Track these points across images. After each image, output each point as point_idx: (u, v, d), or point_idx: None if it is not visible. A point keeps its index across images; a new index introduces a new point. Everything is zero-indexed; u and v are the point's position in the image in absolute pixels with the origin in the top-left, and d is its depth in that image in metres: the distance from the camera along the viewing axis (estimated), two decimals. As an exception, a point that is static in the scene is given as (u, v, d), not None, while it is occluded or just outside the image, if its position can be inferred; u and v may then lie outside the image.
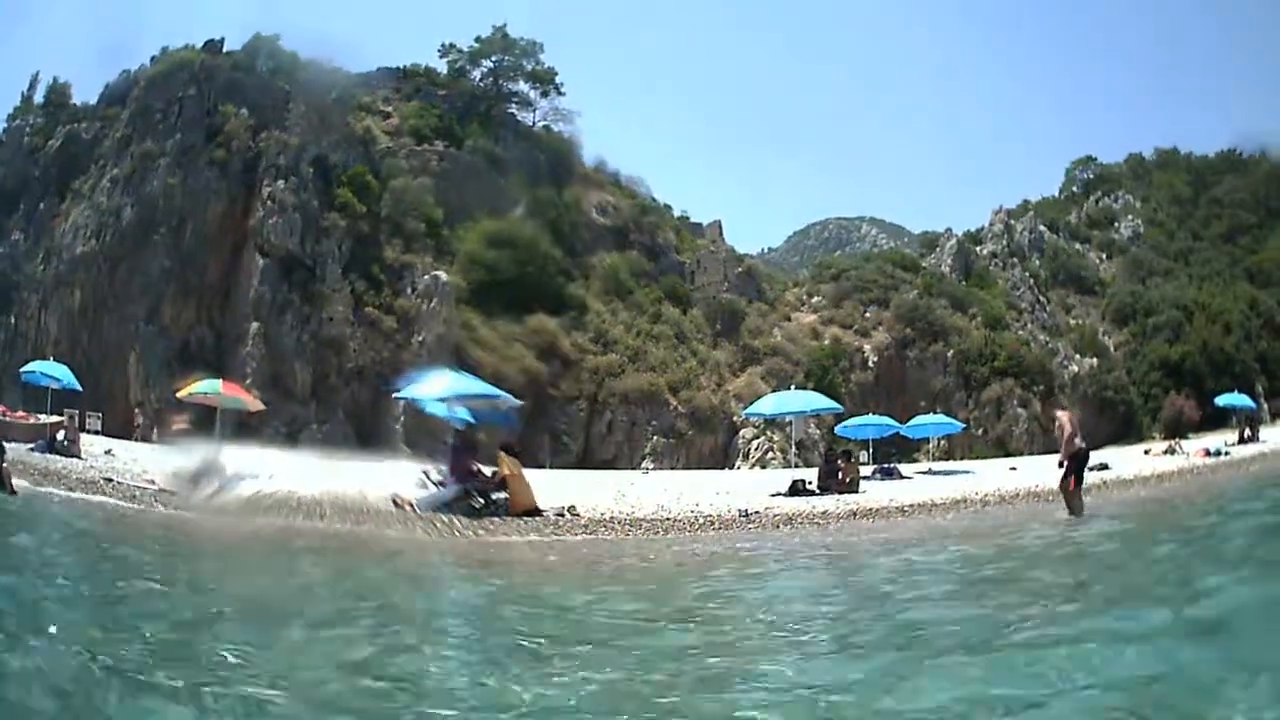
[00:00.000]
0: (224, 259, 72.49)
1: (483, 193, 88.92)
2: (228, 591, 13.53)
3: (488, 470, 29.10)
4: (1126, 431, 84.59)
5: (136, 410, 65.01)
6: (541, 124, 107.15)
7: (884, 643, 9.74)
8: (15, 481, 25.36)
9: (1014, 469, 43.57)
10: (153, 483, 29.57)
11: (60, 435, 36.50)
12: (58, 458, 33.31)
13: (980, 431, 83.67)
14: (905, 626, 10.48)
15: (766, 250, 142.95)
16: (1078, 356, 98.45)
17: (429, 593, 15.86)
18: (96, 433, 49.31)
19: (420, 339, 72.61)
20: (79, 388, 45.64)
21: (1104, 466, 41.36)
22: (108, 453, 38.20)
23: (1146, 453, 55.09)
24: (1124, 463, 44.30)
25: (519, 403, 40.33)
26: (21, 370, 47.75)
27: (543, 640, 10.28)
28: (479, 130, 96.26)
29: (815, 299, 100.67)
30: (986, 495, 32.20)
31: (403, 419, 66.85)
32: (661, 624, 12.13)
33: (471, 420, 36.05)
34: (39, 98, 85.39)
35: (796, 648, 10.13)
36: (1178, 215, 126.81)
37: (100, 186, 72.72)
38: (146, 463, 34.87)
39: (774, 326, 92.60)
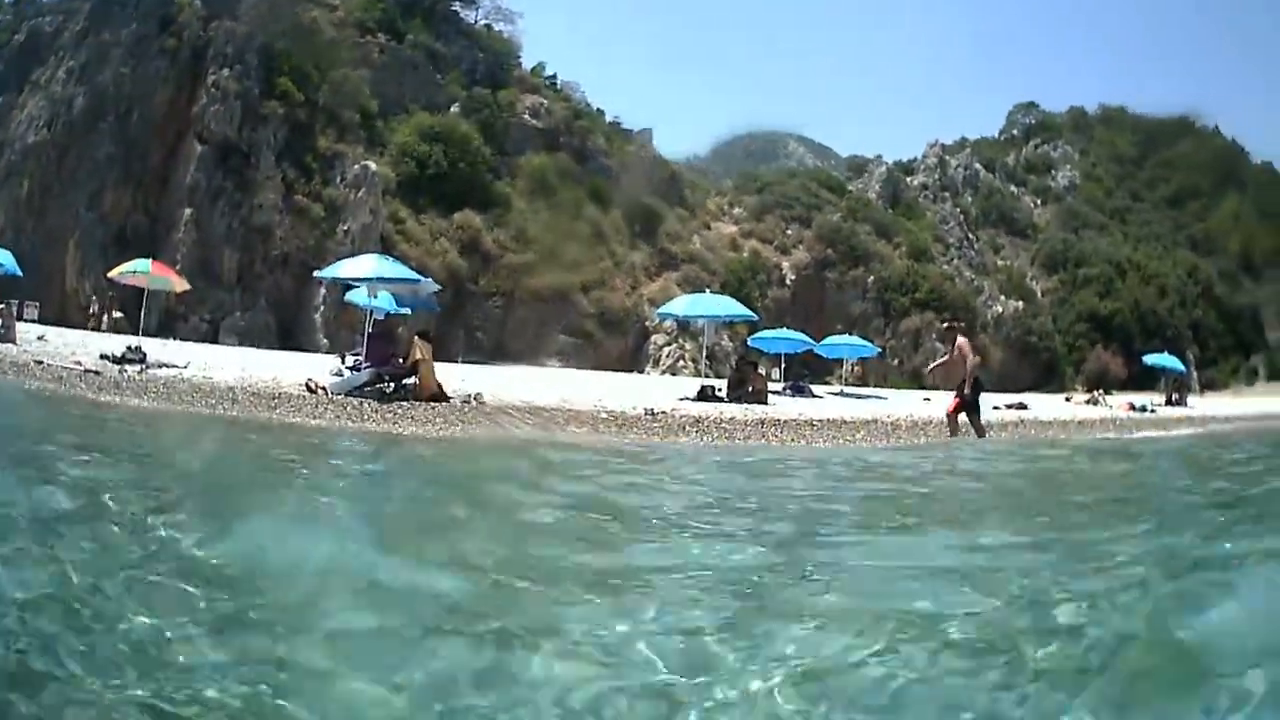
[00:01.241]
0: (165, 146, 72.66)
1: (419, 87, 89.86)
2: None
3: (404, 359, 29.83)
4: (1048, 379, 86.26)
5: (72, 296, 65.42)
6: (483, 23, 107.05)
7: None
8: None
9: (928, 399, 41.99)
10: (79, 364, 30.46)
11: (-1, 325, 37.17)
12: None
13: (896, 362, 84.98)
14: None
15: (694, 158, 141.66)
16: (1003, 298, 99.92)
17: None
18: (34, 321, 49.80)
19: (346, 228, 73.06)
20: (19, 273, 45.78)
21: (1022, 406, 43.26)
22: (40, 339, 38.55)
23: (1067, 400, 56.00)
24: (1044, 407, 45.14)
25: (439, 287, 41.53)
26: None
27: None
28: (421, 25, 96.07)
29: (737, 210, 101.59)
30: (899, 420, 32.09)
31: (323, 309, 68.44)
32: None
33: (392, 310, 37.52)
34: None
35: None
36: (1118, 173, 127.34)
37: (55, 77, 72.70)
38: (76, 348, 35.53)
39: (694, 234, 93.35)
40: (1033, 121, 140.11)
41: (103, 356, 32.71)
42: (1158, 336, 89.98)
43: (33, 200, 68.86)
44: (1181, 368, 66.07)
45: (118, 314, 54.97)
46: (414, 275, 35.25)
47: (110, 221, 68.97)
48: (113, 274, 45.35)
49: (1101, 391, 59.53)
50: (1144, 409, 48.08)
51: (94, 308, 58.01)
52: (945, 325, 30.14)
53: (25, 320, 46.87)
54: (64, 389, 25.58)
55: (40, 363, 30.09)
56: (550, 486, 13.74)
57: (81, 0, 76.11)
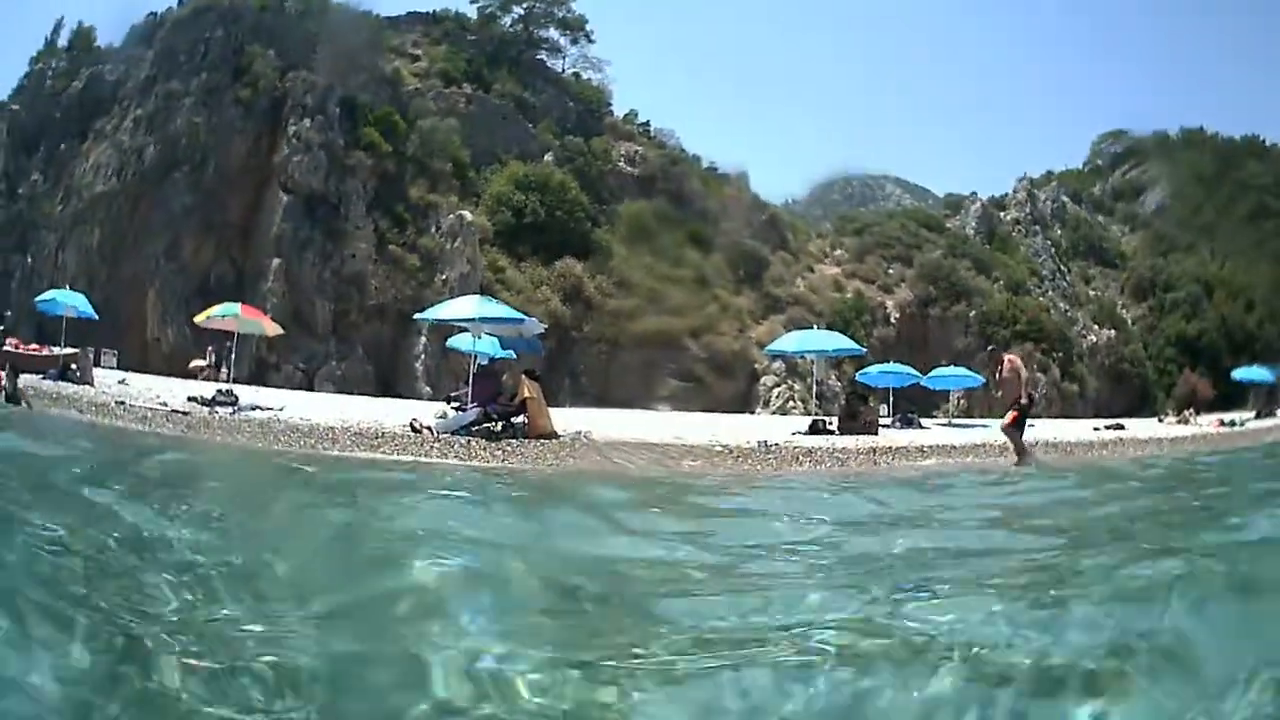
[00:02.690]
0: (247, 196, 72.12)
1: (511, 137, 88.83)
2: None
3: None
4: (1140, 405, 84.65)
5: (154, 345, 64.83)
6: (571, 71, 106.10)
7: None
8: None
9: (1032, 425, 42.49)
10: (165, 405, 29.64)
11: (74, 366, 36.52)
12: (69, 385, 33.36)
13: (999, 394, 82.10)
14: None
15: (791, 201, 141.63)
16: (1096, 327, 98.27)
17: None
18: (112, 367, 48.86)
19: (444, 277, 71.91)
20: (95, 315, 45.07)
21: (1119, 427, 43.42)
22: (121, 382, 37.87)
23: (1161, 420, 55.73)
24: (1139, 429, 45.08)
25: (544, 326, 40.99)
26: (37, 299, 47.38)
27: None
28: (508, 75, 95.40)
29: (838, 252, 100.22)
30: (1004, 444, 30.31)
31: (424, 357, 67.42)
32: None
33: (496, 354, 36.54)
34: (63, 42, 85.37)
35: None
36: (1201, 193, 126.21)
37: (123, 126, 72.19)
38: (160, 391, 34.56)
39: (797, 276, 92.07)
40: (1119, 149, 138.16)
41: (191, 399, 31.86)
42: (1246, 352, 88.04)
43: (104, 249, 68.65)
44: (1270, 377, 64.24)
45: (203, 362, 53.90)
46: (517, 315, 35.60)
47: (191, 271, 68.41)
48: (200, 319, 44.63)
49: (1191, 411, 59.17)
50: (1233, 424, 48.99)
51: (210, 358, 56.17)
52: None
53: (103, 366, 46.13)
54: (148, 427, 25.54)
55: (122, 403, 29.40)
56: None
57: (144, 49, 76.41)
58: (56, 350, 40.33)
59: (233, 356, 44.73)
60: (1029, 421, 27.77)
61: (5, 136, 75.25)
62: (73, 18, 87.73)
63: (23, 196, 72.79)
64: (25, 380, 31.13)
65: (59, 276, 63.53)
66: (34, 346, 42.74)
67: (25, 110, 77.28)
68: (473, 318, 33.45)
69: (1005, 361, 27.35)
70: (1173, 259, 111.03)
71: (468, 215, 76.11)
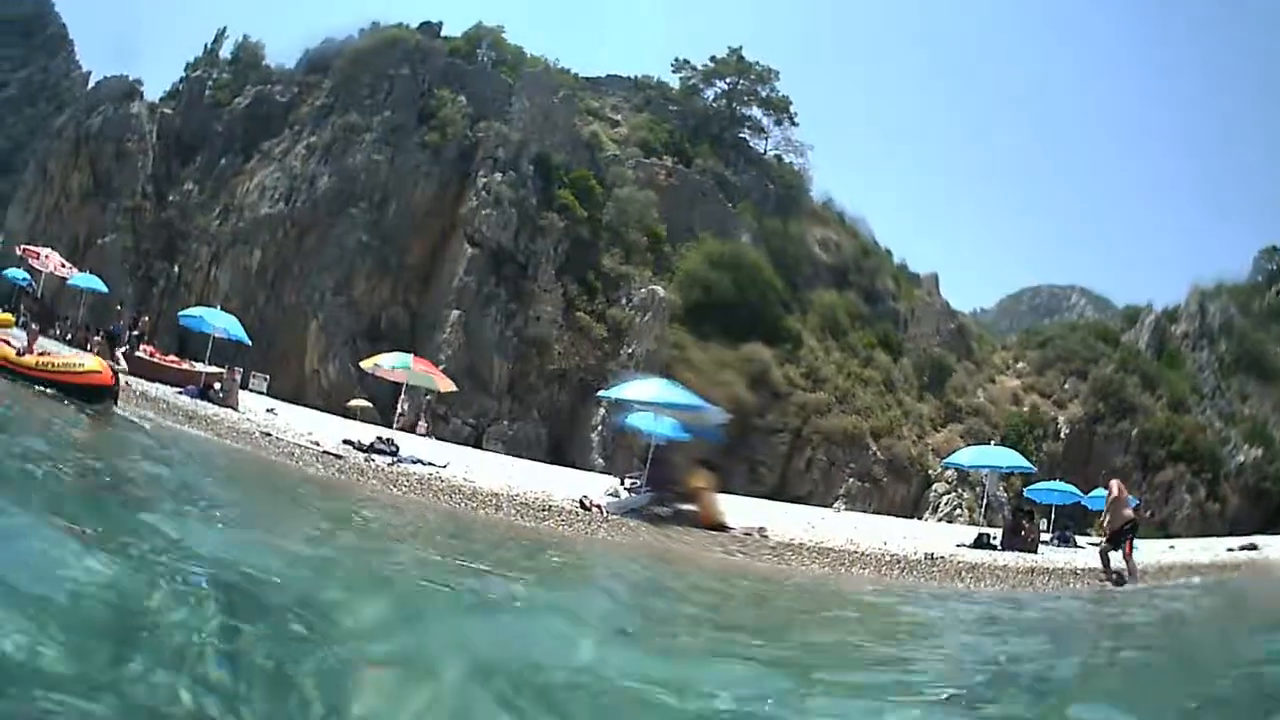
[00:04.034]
0: (428, 243, 72.26)
1: (709, 214, 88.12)
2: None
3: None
4: (1274, 524, 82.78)
5: (311, 379, 65.14)
6: (773, 153, 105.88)
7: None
8: (157, 419, 25.25)
9: (1172, 547, 42.60)
10: (317, 444, 28.44)
11: (217, 386, 35.36)
12: (209, 405, 32.08)
13: (1149, 514, 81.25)
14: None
15: (979, 310, 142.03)
16: (1246, 446, 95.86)
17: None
18: (261, 394, 48.34)
19: (630, 351, 71.78)
20: (248, 341, 43.47)
21: (1253, 547, 41.34)
22: (270, 411, 36.45)
23: None
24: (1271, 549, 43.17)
25: (728, 417, 40.21)
26: (181, 314, 46.12)
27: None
28: (709, 151, 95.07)
29: (1020, 364, 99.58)
30: (1145, 565, 29.95)
31: (601, 429, 66.90)
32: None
33: (675, 437, 36.10)
34: (225, 52, 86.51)
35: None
36: None
37: (294, 151, 73.00)
38: (313, 427, 33.51)
39: (978, 387, 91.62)
40: (1276, 266, 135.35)
41: (346, 442, 30.60)
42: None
43: (265, 274, 69.28)
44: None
45: (366, 403, 53.64)
46: (700, 403, 34.51)
47: (361, 310, 68.58)
48: (367, 365, 44.38)
49: None
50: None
51: (403, 408, 55.39)
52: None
53: (252, 390, 45.81)
54: (293, 463, 25.17)
55: (268, 435, 28.52)
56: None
57: (319, 76, 76.76)
58: (199, 366, 39.73)
59: (399, 406, 44.45)
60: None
61: (155, 139, 76.27)
62: (236, 29, 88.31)
63: (174, 204, 74.07)
64: (159, 392, 30.76)
65: (210, 291, 64.39)
66: (172, 358, 42.36)
67: (180, 117, 78.36)
68: (657, 401, 33.23)
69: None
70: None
71: (660, 291, 75.76)
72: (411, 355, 45.07)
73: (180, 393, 33.49)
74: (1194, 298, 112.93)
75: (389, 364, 43.06)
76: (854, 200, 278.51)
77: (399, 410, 53.72)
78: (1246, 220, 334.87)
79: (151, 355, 40.44)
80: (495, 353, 68.73)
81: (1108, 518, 28.34)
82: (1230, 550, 39.14)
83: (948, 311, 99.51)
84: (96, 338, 41.83)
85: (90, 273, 54.50)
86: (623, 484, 34.35)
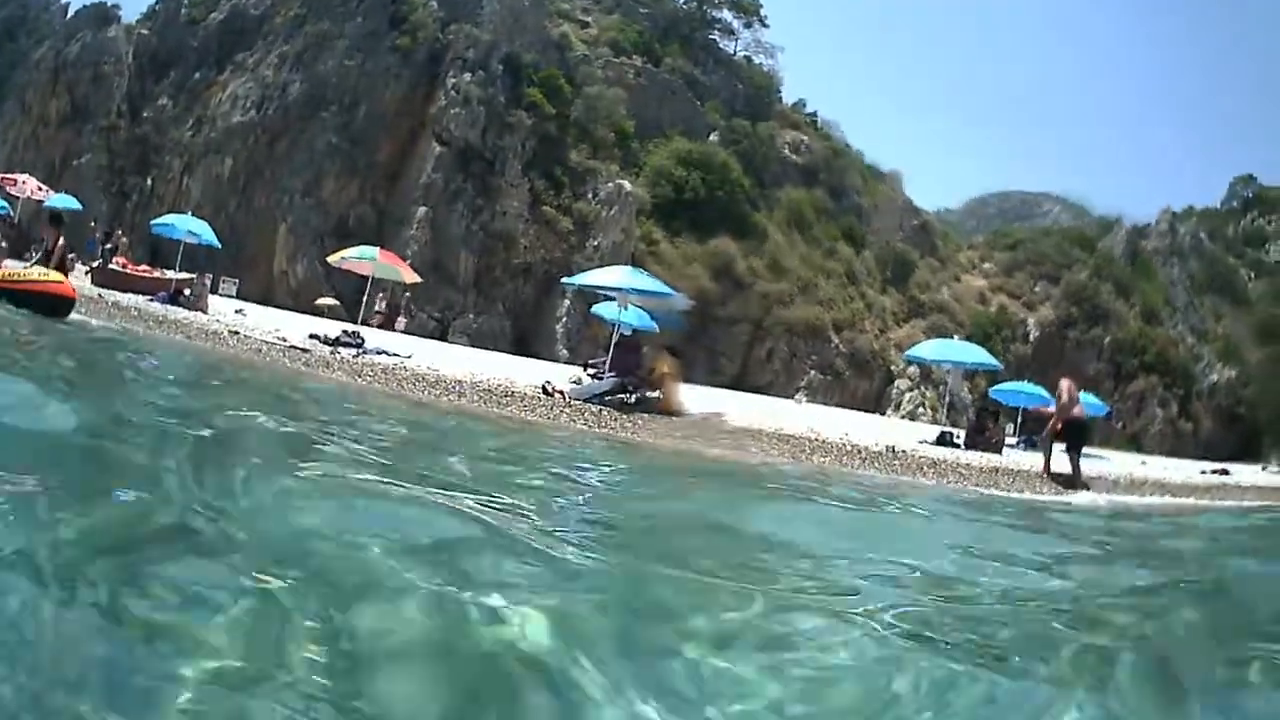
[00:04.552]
0: (398, 143, 72.01)
1: (677, 113, 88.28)
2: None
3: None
4: (1245, 451, 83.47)
5: (280, 280, 65.22)
6: (743, 54, 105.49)
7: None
8: (120, 322, 25.50)
9: (1144, 463, 43.17)
10: (284, 340, 28.72)
11: (187, 291, 35.96)
12: (179, 310, 32.63)
13: (1120, 425, 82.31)
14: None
15: (944, 210, 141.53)
16: (1219, 365, 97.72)
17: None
18: (231, 297, 48.76)
19: (596, 244, 71.71)
20: (218, 244, 44.67)
21: (1224, 472, 42.76)
22: (239, 312, 36.98)
23: (1263, 469, 55.05)
24: (1244, 475, 44.62)
25: (691, 303, 41.05)
26: (153, 222, 47.38)
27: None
28: (679, 51, 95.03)
29: (987, 265, 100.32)
30: (1118, 477, 31.55)
31: (565, 321, 67.43)
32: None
33: (640, 326, 36.42)
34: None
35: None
36: None
37: (266, 61, 72.69)
38: (281, 325, 33.68)
39: (943, 284, 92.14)
40: (1250, 194, 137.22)
41: (313, 336, 31.01)
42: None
43: (236, 180, 69.09)
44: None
45: (333, 301, 53.79)
46: (666, 289, 35.25)
47: (329, 210, 68.33)
48: (334, 259, 44.85)
49: None
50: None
51: (381, 304, 55.80)
52: (1056, 373, 34.74)
53: (222, 294, 46.07)
54: (260, 359, 25.70)
55: (236, 333, 28.98)
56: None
57: None
58: (170, 274, 39.92)
59: (364, 300, 44.63)
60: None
61: (131, 59, 76.14)
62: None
63: (148, 120, 73.69)
64: (130, 301, 30.98)
65: (182, 202, 63.77)
66: (144, 268, 42.55)
67: (156, 36, 78.01)
68: (621, 287, 33.28)
69: (1060, 386, 29.21)
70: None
71: (627, 185, 75.87)
72: (378, 248, 45.32)
73: (151, 300, 33.94)
74: (1165, 218, 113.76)
75: (355, 255, 43.37)
76: (826, 103, 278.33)
77: (376, 306, 54.09)
78: (1222, 149, 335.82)
79: (124, 267, 40.64)
80: (461, 247, 68.95)
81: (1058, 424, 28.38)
82: (1204, 474, 39.49)
83: (911, 208, 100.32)
84: (71, 255, 42.08)
85: (66, 194, 54.63)
86: (586, 370, 34.30)
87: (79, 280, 32.46)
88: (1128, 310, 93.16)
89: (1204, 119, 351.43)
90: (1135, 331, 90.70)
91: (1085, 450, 29.31)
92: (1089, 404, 59.51)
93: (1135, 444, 69.40)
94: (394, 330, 46.34)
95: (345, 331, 33.12)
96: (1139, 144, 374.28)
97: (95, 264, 40.31)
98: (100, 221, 60.76)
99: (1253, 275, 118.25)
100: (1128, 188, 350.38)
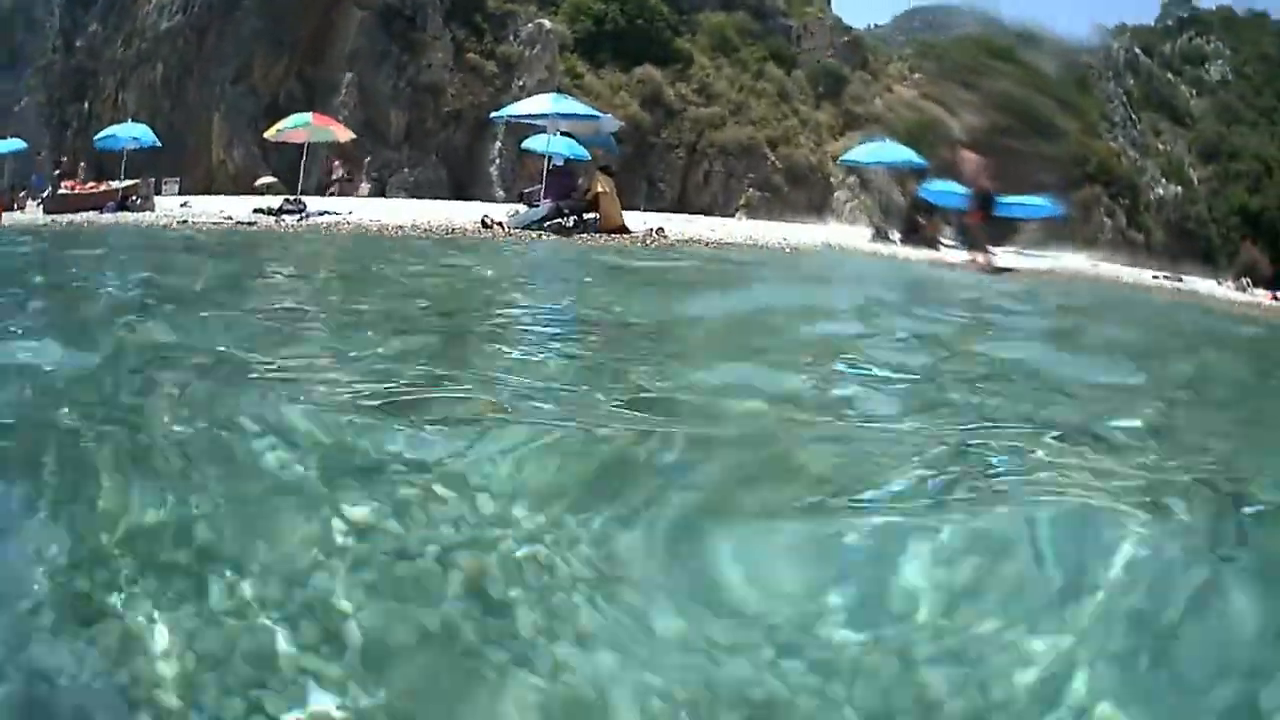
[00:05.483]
0: (319, 17, 71.11)
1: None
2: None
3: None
4: (1199, 264, 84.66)
5: (219, 167, 64.99)
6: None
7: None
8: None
9: (1095, 266, 43.86)
10: (230, 219, 29.52)
11: (134, 196, 36.48)
12: (128, 214, 33.33)
13: (1069, 232, 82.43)
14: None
15: (873, 26, 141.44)
16: (1165, 181, 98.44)
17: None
18: (174, 195, 48.17)
19: (521, 83, 70.18)
20: (159, 144, 44.41)
21: (1178, 278, 44.39)
22: (184, 205, 37.25)
23: (1220, 284, 55.93)
24: (1199, 285, 45.57)
25: (620, 124, 41.49)
26: (96, 138, 47.20)
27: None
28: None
29: (917, 75, 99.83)
30: (1056, 271, 32.81)
31: (499, 161, 67.63)
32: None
33: (571, 155, 36.91)
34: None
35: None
36: (1265, 73, 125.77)
37: (188, -37, 71.96)
38: (225, 207, 34.30)
39: (876, 96, 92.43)
40: (1185, 15, 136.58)
41: (256, 210, 32.19)
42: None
43: (169, 84, 68.85)
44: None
45: (271, 178, 54.18)
46: (593, 111, 35.76)
47: (260, 93, 67.94)
48: (270, 133, 44.73)
49: (1248, 281, 59.00)
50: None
51: (339, 171, 56.43)
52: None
53: (165, 195, 46.29)
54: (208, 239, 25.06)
55: (184, 222, 29.19)
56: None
57: None
58: (115, 184, 39.76)
59: (301, 171, 45.01)
60: None
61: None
62: None
63: (81, 50, 73.23)
64: (82, 217, 31.69)
65: (119, 116, 62.65)
66: (90, 185, 42.03)
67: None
68: (548, 114, 33.59)
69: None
70: (1236, 130, 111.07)
71: (547, 23, 75.66)
72: (310, 114, 45.37)
73: (101, 212, 34.30)
74: (1097, 33, 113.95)
75: (290, 125, 43.39)
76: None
77: (334, 173, 54.59)
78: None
79: (72, 188, 40.77)
80: (392, 106, 68.76)
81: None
82: (1155, 278, 41.32)
83: (840, 26, 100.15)
84: (22, 193, 42.69)
85: (10, 138, 54.53)
86: (521, 200, 34.64)
87: (33, 213, 33.32)
88: (1066, 120, 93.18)
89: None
90: (1075, 142, 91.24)
91: (1038, 252, 30.13)
92: (1042, 205, 60.16)
93: (1087, 250, 70.69)
94: (357, 196, 46.95)
95: (287, 200, 34.09)
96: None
97: (45, 194, 40.61)
98: (45, 154, 60.76)
99: (1194, 93, 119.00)
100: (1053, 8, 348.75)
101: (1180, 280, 43.11)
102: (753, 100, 79.88)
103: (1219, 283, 54.65)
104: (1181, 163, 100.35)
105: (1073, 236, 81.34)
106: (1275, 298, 45.85)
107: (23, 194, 42.13)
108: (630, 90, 74.76)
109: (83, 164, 47.40)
